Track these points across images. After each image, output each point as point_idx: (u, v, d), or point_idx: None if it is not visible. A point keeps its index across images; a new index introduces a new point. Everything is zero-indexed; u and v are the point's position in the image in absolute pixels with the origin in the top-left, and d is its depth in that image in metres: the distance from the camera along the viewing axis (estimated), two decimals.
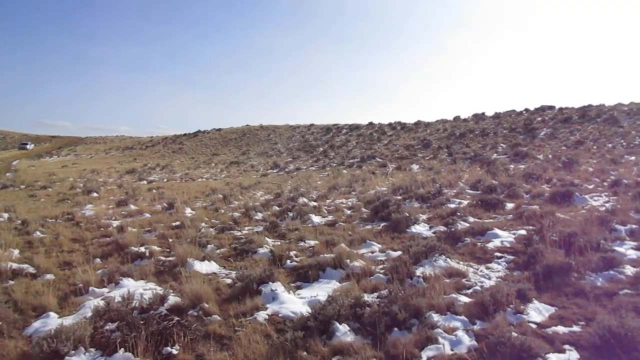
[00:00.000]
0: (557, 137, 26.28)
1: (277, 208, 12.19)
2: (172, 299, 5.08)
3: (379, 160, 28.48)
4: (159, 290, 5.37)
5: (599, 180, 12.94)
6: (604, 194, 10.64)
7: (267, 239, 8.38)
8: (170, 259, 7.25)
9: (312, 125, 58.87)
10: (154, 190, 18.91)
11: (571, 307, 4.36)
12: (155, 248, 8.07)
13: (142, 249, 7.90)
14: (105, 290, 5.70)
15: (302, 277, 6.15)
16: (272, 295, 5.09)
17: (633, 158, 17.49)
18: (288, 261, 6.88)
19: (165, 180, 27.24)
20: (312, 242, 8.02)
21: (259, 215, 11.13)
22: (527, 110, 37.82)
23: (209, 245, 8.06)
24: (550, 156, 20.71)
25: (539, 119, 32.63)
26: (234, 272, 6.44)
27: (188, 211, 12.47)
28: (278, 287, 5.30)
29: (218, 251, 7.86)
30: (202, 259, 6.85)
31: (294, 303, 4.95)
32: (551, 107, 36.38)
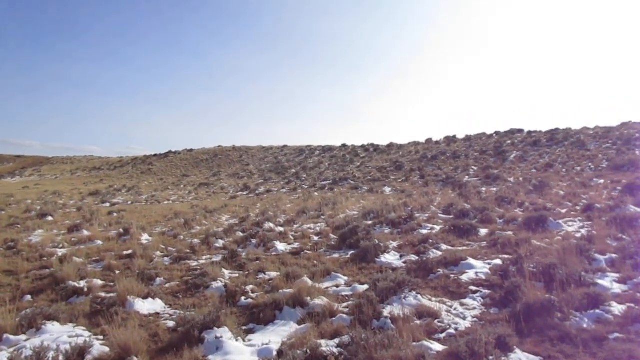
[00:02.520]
0: (527, 160, 26.44)
1: (241, 234, 11.45)
2: (97, 350, 4.30)
3: (351, 182, 28.03)
4: (85, 338, 4.58)
5: (571, 204, 12.72)
6: (577, 219, 10.34)
7: (224, 270, 7.62)
8: (111, 295, 6.42)
9: (285, 146, 58.43)
10: (115, 214, 17.88)
11: (558, 357, 3.80)
12: (98, 282, 7.22)
13: (82, 283, 7.05)
14: (22, 337, 4.85)
15: (256, 318, 5.43)
16: (216, 344, 4.36)
17: (602, 181, 17.51)
18: (243, 298, 6.15)
19: (129, 202, 26.09)
20: (273, 274, 7.32)
21: (220, 243, 10.36)
22: (497, 133, 38.32)
23: (157, 279, 7.26)
24: (521, 179, 20.65)
25: (509, 142, 32.98)
26: (180, 311, 5.68)
27: (145, 238, 11.59)
28: (224, 333, 4.58)
29: (167, 285, 7.07)
30: (146, 297, 6.06)
31: (242, 354, 4.24)
32: (520, 131, 36.93)
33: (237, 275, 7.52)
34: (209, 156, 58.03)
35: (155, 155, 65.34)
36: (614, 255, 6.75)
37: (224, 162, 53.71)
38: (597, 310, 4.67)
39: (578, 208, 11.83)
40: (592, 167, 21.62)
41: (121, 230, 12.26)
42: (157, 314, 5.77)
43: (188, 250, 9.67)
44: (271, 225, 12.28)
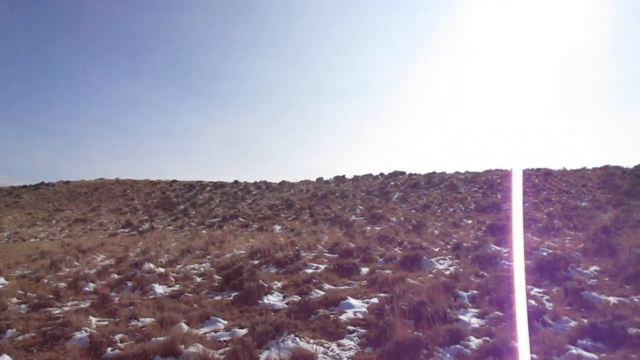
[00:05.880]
0: (407, 200, 28.37)
1: (117, 276, 10.61)
2: None
3: (241, 219, 27.64)
4: None
5: (443, 243, 13.81)
6: (448, 257, 11.23)
7: (91, 318, 6.95)
8: None
9: (174, 181, 55.98)
10: None
11: None
12: None
13: None
14: None
15: None
16: None
17: (470, 222, 19.33)
18: (109, 349, 5.63)
19: None
20: (147, 320, 6.84)
21: (90, 286, 9.47)
22: (382, 174, 40.73)
23: (8, 330, 6.39)
24: (402, 219, 22.01)
25: (392, 183, 35.23)
26: None
27: (0, 282, 10.20)
28: None
29: (20, 338, 6.23)
30: None
31: None
32: (402, 173, 39.70)
33: (106, 323, 6.89)
34: (89, 189, 53.45)
35: (24, 186, 58.43)
36: (474, 292, 7.41)
37: (105, 197, 49.83)
38: (458, 345, 5.06)
39: (449, 247, 12.87)
40: (462, 208, 23.84)
41: None
42: None
43: (51, 296, 8.69)
44: (151, 266, 11.54)
